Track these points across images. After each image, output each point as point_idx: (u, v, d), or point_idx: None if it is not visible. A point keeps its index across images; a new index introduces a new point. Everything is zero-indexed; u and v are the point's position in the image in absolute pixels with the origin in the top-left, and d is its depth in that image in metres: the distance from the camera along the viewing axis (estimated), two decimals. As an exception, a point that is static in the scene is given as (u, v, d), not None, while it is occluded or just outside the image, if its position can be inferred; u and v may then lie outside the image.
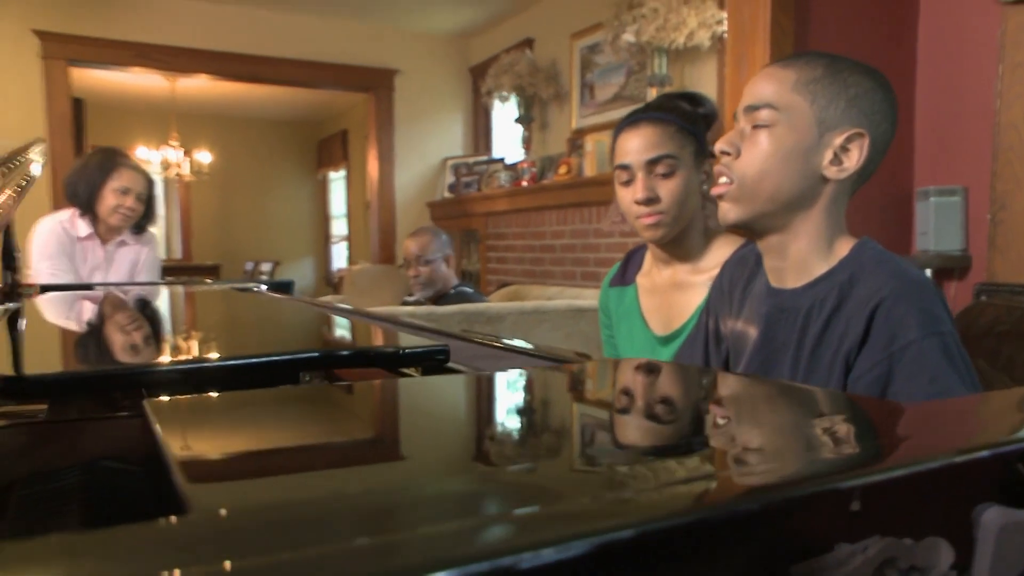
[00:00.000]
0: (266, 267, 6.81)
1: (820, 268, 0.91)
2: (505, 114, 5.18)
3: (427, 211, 5.49)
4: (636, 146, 1.27)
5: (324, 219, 8.52)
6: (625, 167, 1.29)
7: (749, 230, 0.95)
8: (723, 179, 0.93)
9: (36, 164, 1.00)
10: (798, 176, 0.90)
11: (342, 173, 7.85)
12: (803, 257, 0.92)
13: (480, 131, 5.55)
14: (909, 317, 0.81)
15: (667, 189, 1.27)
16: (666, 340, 1.32)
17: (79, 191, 2.13)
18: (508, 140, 5.28)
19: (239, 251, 8.02)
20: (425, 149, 5.49)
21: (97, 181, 2.13)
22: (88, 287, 1.54)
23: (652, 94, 3.64)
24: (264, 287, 1.47)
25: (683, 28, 3.44)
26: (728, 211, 0.93)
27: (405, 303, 2.90)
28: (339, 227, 8.13)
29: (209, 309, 1.11)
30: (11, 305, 1.03)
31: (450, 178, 5.29)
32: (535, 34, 4.84)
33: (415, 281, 2.77)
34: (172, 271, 6.52)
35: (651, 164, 1.27)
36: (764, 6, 2.52)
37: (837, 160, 0.89)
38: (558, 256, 4.22)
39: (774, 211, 0.91)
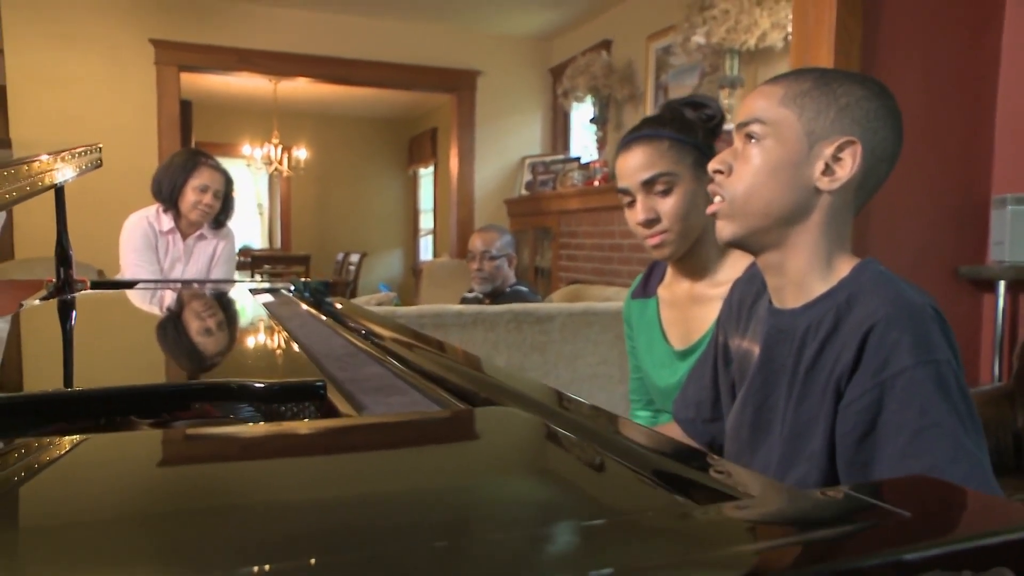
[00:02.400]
0: (354, 258, 7.11)
1: (819, 288, 0.88)
2: (583, 114, 5.22)
3: (504, 208, 5.61)
4: (630, 168, 1.27)
5: (414, 213, 8.81)
6: (625, 191, 1.29)
7: (745, 248, 0.93)
8: (717, 198, 0.93)
9: (63, 171, 1.09)
10: (789, 189, 0.88)
11: (431, 169, 8.10)
12: (801, 275, 0.89)
13: (558, 131, 5.61)
14: (902, 343, 0.77)
15: (667, 207, 1.25)
16: (684, 355, 1.30)
17: (163, 188, 2.35)
18: (586, 140, 5.31)
19: (334, 242, 8.43)
20: (504, 148, 5.61)
21: (179, 179, 2.34)
22: (131, 285, 1.70)
23: (723, 96, 3.60)
24: (292, 289, 1.57)
25: (755, 29, 3.38)
26: (723, 229, 0.92)
27: (464, 300, 3.00)
28: (427, 221, 8.39)
29: (162, 322, 1.10)
30: (34, 303, 1.13)
31: (527, 176, 5.39)
32: (613, 35, 4.86)
33: (476, 275, 2.80)
34: (267, 260, 6.94)
35: (647, 185, 1.26)
36: (829, 7, 2.45)
37: (829, 170, 0.86)
38: (625, 256, 4.24)
39: (768, 227, 0.89)
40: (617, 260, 4.33)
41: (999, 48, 2.54)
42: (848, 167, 0.86)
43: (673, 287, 1.37)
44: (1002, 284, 2.46)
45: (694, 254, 1.30)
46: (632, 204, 1.29)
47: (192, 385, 0.56)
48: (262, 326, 0.92)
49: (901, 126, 0.90)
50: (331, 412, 0.54)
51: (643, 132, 1.29)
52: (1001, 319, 2.47)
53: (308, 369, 0.62)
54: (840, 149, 0.86)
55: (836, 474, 0.84)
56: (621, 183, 1.29)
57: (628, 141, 1.30)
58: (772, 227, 0.89)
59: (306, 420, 0.55)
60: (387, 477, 0.41)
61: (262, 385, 0.55)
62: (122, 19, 4.71)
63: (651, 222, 1.26)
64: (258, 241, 8.66)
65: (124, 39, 4.72)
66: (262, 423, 0.57)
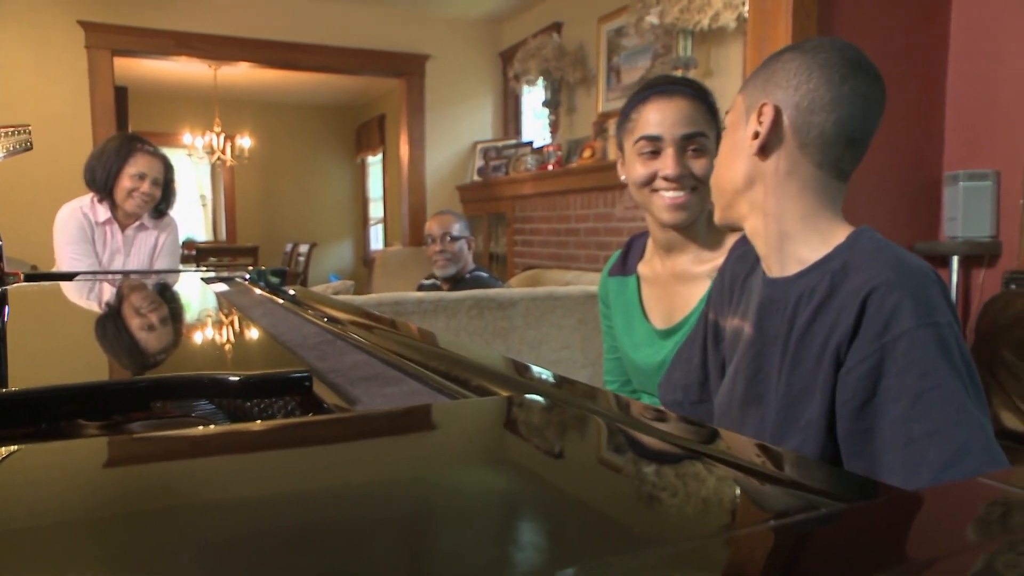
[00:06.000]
0: (303, 248, 6.94)
1: (811, 256, 0.87)
2: (535, 98, 5.17)
3: (457, 194, 5.52)
4: (672, 118, 1.17)
5: (363, 202, 8.65)
6: (653, 138, 1.18)
7: (731, 225, 0.97)
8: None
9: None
10: (735, 163, 0.92)
11: (379, 157, 7.94)
12: (778, 240, 0.89)
13: (510, 115, 5.54)
14: (903, 306, 0.76)
15: (699, 167, 1.18)
16: (666, 334, 1.26)
17: (97, 176, 2.20)
18: (538, 124, 5.26)
19: (281, 233, 8.21)
20: (455, 133, 5.51)
21: (113, 166, 2.19)
22: (70, 276, 1.58)
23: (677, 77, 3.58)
24: (247, 277, 1.47)
25: (708, 9, 3.37)
26: (714, 215, 1.00)
27: (421, 287, 2.92)
28: (377, 210, 8.24)
29: (112, 315, 1.00)
30: None
31: (479, 162, 5.31)
32: (563, 18, 4.80)
33: (439, 257, 2.70)
34: (212, 252, 6.71)
35: (685, 139, 1.17)
36: (787, -14, 2.46)
37: (756, 135, 0.89)
38: (582, 240, 4.21)
39: (729, 200, 0.94)
40: (573, 244, 4.30)
41: (948, 27, 2.58)
42: (764, 127, 0.88)
43: (654, 264, 1.31)
44: (955, 259, 2.52)
45: (690, 227, 1.24)
46: (653, 155, 1.19)
47: (157, 380, 0.47)
48: (224, 315, 0.84)
49: (838, 73, 0.87)
50: (316, 406, 0.47)
51: (683, 88, 1.21)
52: (955, 293, 2.52)
53: (285, 359, 0.55)
54: (759, 113, 0.89)
55: (833, 444, 0.82)
56: (653, 130, 1.18)
57: (670, 89, 1.21)
58: (732, 200, 0.94)
59: (310, 415, 0.48)
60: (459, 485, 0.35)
61: (238, 378, 0.48)
62: (48, -1, 4.45)
63: (683, 177, 1.18)
64: (202, 233, 8.38)
65: (50, 20, 4.45)
66: (254, 422, 0.49)
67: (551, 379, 0.53)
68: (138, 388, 0.47)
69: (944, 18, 2.58)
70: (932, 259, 2.57)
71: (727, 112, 0.97)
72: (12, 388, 0.46)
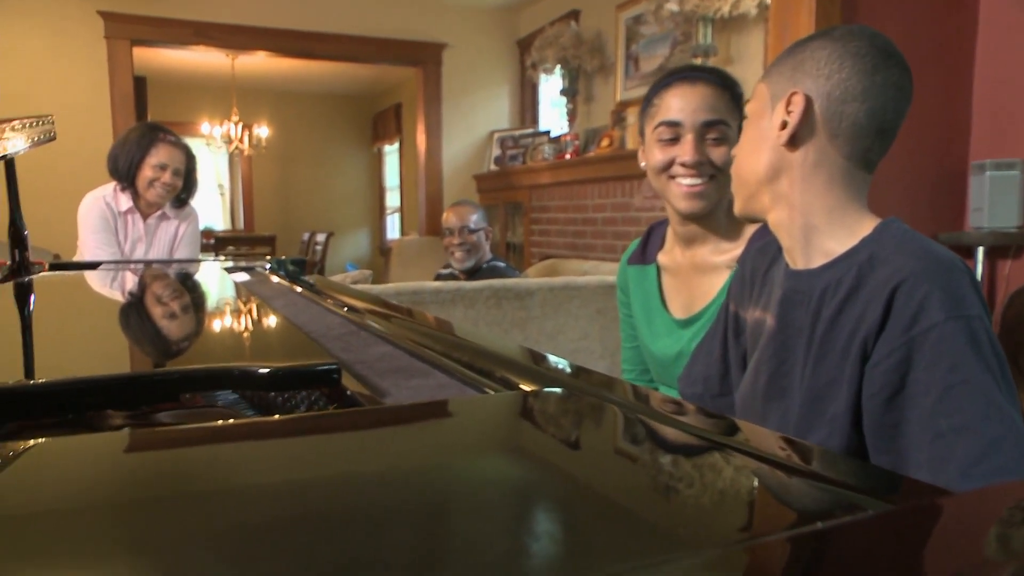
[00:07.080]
0: (320, 238, 6.97)
1: (837, 248, 0.85)
2: (552, 87, 5.14)
3: (473, 183, 5.51)
4: (693, 104, 1.17)
5: (379, 191, 8.66)
6: (673, 124, 1.18)
7: (753, 216, 0.95)
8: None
9: (13, 142, 1.00)
10: (760, 153, 0.90)
11: (396, 146, 7.94)
12: (803, 233, 0.88)
13: (527, 104, 5.52)
14: (932, 298, 0.74)
15: (718, 155, 1.17)
16: (686, 323, 1.25)
17: (119, 165, 2.21)
18: (555, 113, 5.23)
19: (299, 222, 8.25)
20: (472, 122, 5.50)
21: (136, 156, 2.20)
22: (94, 266, 1.59)
23: (704, 65, 3.54)
24: (267, 267, 1.47)
25: (728, -4, 3.32)
26: (734, 206, 0.98)
27: (439, 276, 2.92)
28: (394, 199, 8.26)
29: (136, 305, 0.99)
30: None
31: (496, 151, 5.29)
32: (581, 5, 4.76)
33: (458, 249, 2.71)
34: (231, 241, 6.76)
35: (706, 126, 1.17)
36: (809, -28, 2.42)
37: (785, 125, 0.87)
38: (599, 229, 4.19)
39: (753, 192, 0.92)
40: (591, 234, 4.28)
41: (976, 14, 2.53)
42: (794, 116, 0.86)
43: (674, 254, 1.30)
44: (981, 250, 2.48)
45: (709, 217, 1.23)
46: (672, 142, 1.19)
47: (188, 372, 0.47)
48: (248, 305, 0.84)
49: (870, 62, 0.85)
50: (344, 399, 0.47)
51: (708, 76, 1.20)
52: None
53: (311, 351, 0.54)
54: (789, 102, 0.87)
55: (859, 438, 0.81)
56: (674, 116, 1.18)
57: (693, 76, 1.20)
58: (756, 191, 0.92)
59: (330, 409, 0.48)
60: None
61: (267, 370, 0.47)
62: (66, -11, 4.47)
63: (702, 164, 1.17)
64: (220, 222, 8.43)
65: (69, 11, 4.48)
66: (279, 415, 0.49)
67: (573, 371, 0.52)
68: (169, 380, 0.47)
69: (972, 4, 2.52)
70: (957, 250, 2.52)
71: (747, 101, 0.95)
72: (41, 379, 0.47)
